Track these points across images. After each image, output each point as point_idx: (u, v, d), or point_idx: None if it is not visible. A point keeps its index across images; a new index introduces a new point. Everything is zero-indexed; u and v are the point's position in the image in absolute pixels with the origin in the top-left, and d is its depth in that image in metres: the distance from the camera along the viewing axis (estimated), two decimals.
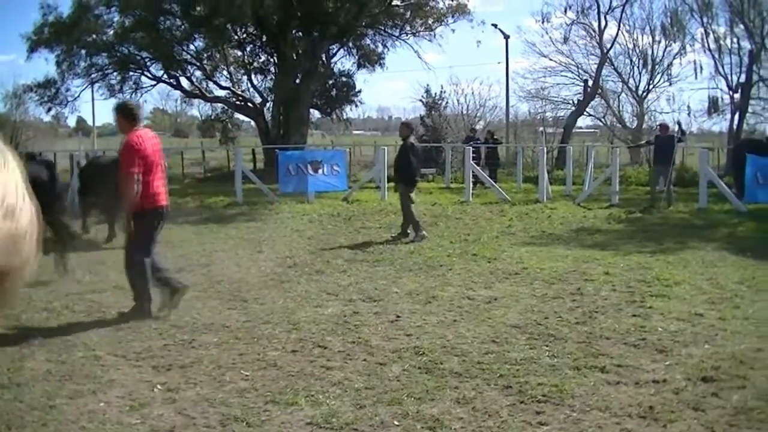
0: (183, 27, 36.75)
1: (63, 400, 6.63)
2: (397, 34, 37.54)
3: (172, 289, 9.69)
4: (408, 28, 37.52)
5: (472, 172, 24.83)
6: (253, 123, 42.34)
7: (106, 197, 16.08)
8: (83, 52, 37.10)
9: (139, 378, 7.21)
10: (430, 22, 37.36)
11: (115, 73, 38.67)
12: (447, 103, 43.65)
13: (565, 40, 43.88)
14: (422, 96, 43.19)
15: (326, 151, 28.65)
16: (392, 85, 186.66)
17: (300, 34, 36.56)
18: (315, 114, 41.80)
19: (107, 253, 14.52)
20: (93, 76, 38.20)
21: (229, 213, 21.66)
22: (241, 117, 46.79)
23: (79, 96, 39.82)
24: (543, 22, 44.38)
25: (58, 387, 6.96)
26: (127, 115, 9.57)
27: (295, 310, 9.82)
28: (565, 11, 42.96)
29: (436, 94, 42.90)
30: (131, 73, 38.97)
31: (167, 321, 9.25)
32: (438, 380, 7.04)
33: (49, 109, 40.40)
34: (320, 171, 23.80)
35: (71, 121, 74.01)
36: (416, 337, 8.56)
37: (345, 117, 43.25)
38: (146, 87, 40.57)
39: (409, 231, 16.24)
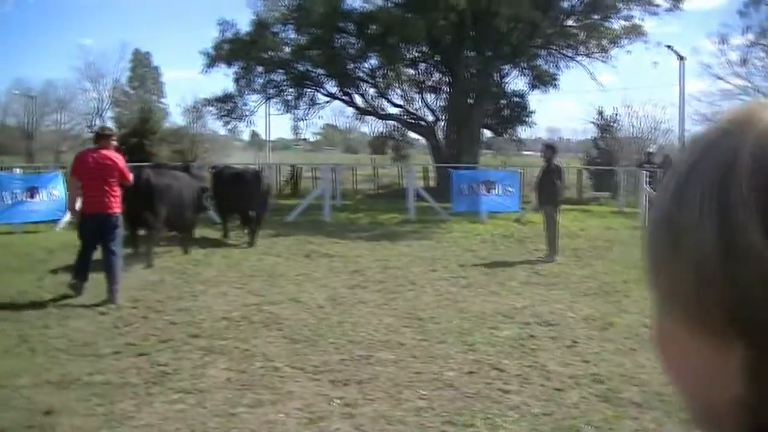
0: (357, 45, 37.25)
1: (243, 409, 6.80)
2: (571, 54, 37.05)
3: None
4: (582, 48, 36.96)
5: (648, 196, 24.25)
6: (423, 140, 42.48)
7: (236, 204, 17.75)
8: (260, 68, 38.10)
9: (317, 391, 7.32)
10: (604, 43, 36.64)
11: (291, 89, 39.58)
12: (620, 125, 42.89)
13: (744, 62, 42.25)
14: (594, 118, 42.63)
15: (499, 172, 28.47)
16: (562, 105, 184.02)
17: (473, 53, 36.56)
18: (486, 133, 41.65)
19: (282, 266, 14.85)
20: (269, 91, 39.20)
21: (401, 230, 21.78)
22: (413, 134, 47.10)
23: (255, 111, 41.02)
24: (720, 44, 42.89)
25: (238, 395, 7.15)
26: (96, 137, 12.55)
27: (471, 330, 9.78)
28: (744, 32, 41.38)
29: (609, 116, 42.26)
30: (306, 90, 39.82)
31: (344, 336, 9.38)
32: (616, 410, 6.89)
33: (227, 123, 41.62)
34: (493, 191, 23.79)
35: (245, 135, 76.09)
36: (594, 364, 8.40)
37: (517, 137, 43.02)
38: (321, 103, 41.40)
39: (555, 256, 16.22)
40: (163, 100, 65.57)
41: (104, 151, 11.97)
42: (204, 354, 8.55)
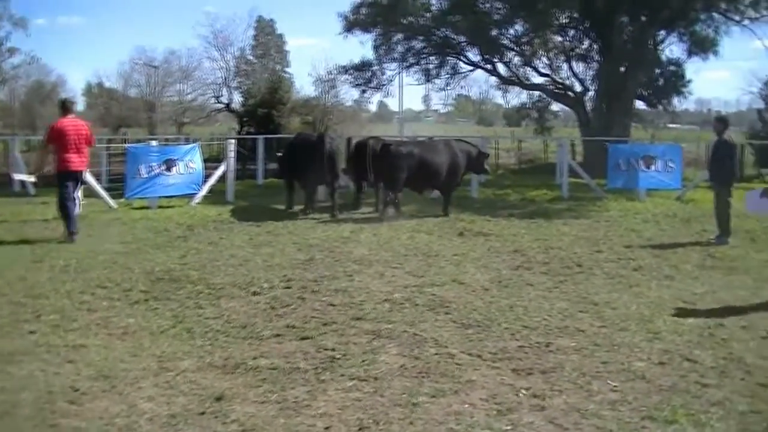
0: (503, 10, 36.70)
1: (425, 398, 6.72)
2: (737, 18, 35.54)
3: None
4: (751, 11, 35.34)
5: None
6: (564, 112, 41.87)
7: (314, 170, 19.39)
8: (399, 35, 37.96)
9: (499, 380, 7.20)
10: None
11: (431, 58, 39.42)
12: None
13: None
14: (760, 88, 41.23)
15: (660, 146, 27.72)
16: (712, 74, 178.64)
17: (626, 18, 35.68)
18: (637, 105, 40.56)
19: (436, 245, 14.78)
20: (409, 60, 39.12)
21: (554, 208, 21.49)
22: (557, 106, 46.42)
23: (393, 80, 41.05)
24: None
25: (416, 384, 7.07)
26: (60, 107, 15.74)
27: (652, 317, 9.52)
28: None
29: None
30: (448, 58, 39.59)
31: (518, 321, 9.23)
32: None
33: (363, 92, 41.77)
34: (653, 167, 23.26)
35: (372, 106, 76.23)
36: None
37: (672, 109, 41.84)
38: (463, 72, 41.17)
39: (728, 239, 15.68)
40: (288, 69, 65.78)
41: (77, 120, 15.55)
42: (372, 338, 8.51)
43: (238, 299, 10.36)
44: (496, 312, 9.67)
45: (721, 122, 16.78)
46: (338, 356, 7.84)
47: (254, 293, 10.67)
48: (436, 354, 7.94)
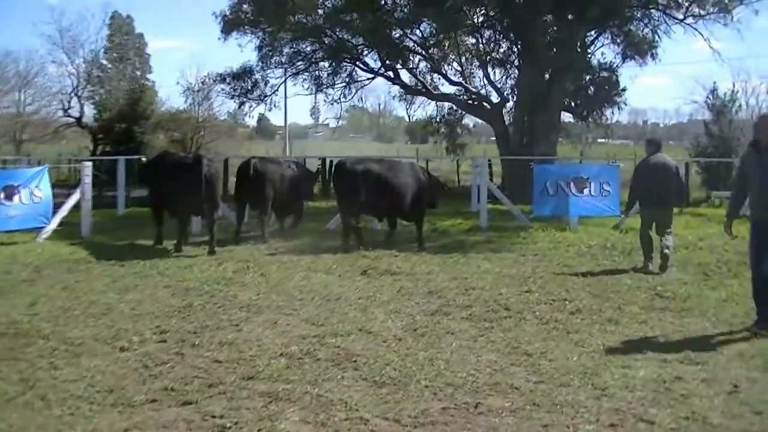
0: (407, 8, 36.81)
1: None
2: (679, 16, 36.06)
3: None
4: (694, 8, 35.77)
5: None
6: (476, 126, 42.04)
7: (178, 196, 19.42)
8: (287, 36, 37.80)
9: None
10: (726, 1, 35.22)
11: (323, 63, 39.35)
12: (740, 105, 41.72)
13: None
14: (706, 96, 41.67)
15: (593, 166, 28.11)
16: (649, 81, 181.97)
17: (551, 17, 36.07)
18: (564, 117, 40.95)
19: (336, 286, 14.72)
20: (297, 65, 38.98)
21: (472, 240, 21.61)
22: (470, 119, 46.71)
23: (278, 89, 40.91)
24: None
25: None
26: None
27: (597, 370, 9.54)
28: None
29: (725, 94, 41.22)
30: (344, 64, 39.51)
31: (439, 378, 9.17)
32: None
33: (242, 104, 41.49)
34: (586, 190, 23.49)
35: (251, 120, 76.01)
36: None
37: (606, 122, 42.19)
38: (361, 80, 41.17)
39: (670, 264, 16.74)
40: (150, 76, 65.14)
41: None
42: (267, 401, 8.35)
43: (103, 357, 10.11)
44: (413, 367, 9.60)
45: (653, 144, 17.35)
46: (228, 425, 7.68)
47: (122, 349, 10.43)
48: (346, 419, 7.84)
